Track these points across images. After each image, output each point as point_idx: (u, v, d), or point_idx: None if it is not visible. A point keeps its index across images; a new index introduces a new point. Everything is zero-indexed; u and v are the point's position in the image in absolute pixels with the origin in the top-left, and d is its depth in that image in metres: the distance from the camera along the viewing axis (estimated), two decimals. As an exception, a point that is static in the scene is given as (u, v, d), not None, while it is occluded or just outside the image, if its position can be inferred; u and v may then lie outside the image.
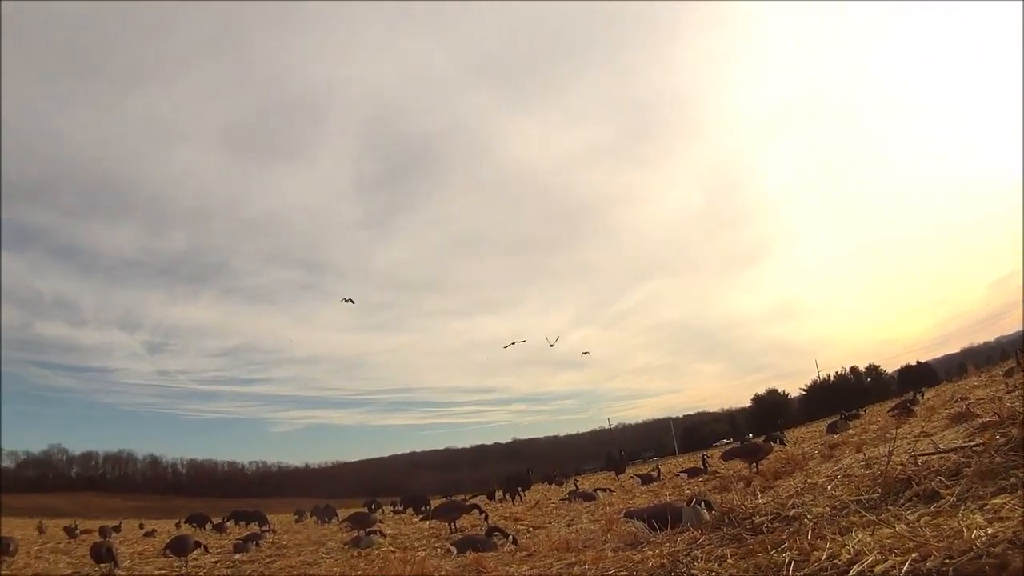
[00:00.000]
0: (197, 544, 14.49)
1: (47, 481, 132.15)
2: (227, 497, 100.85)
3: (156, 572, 11.81)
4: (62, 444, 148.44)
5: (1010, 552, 2.85)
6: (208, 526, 27.79)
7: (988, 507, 4.00)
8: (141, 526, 34.30)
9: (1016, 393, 10.79)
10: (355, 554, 12.25)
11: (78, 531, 27.18)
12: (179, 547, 13.58)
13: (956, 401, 15.26)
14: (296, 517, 33.45)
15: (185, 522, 30.72)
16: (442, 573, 6.62)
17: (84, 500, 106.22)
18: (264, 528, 22.78)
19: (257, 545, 15.98)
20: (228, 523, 27.81)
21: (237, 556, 14.27)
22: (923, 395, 25.11)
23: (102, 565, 11.32)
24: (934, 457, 6.16)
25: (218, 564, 12.85)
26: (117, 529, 30.32)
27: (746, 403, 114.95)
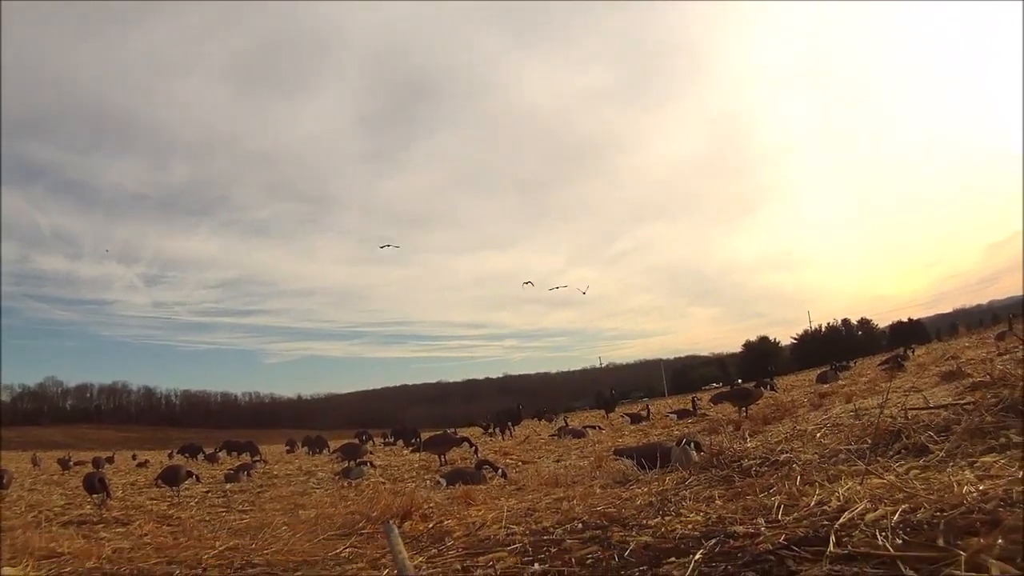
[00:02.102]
0: (189, 474, 14.60)
1: (42, 414, 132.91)
2: (220, 428, 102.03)
3: (148, 502, 11.86)
4: (57, 377, 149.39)
5: (1002, 509, 2.85)
6: (200, 456, 28.42)
7: (978, 464, 4.00)
8: (134, 457, 34.83)
9: (1008, 356, 10.79)
10: (345, 485, 12.44)
11: (72, 463, 27.66)
12: (171, 477, 13.69)
13: (947, 360, 15.30)
14: (287, 448, 33.91)
15: (178, 453, 31.18)
16: (431, 505, 6.62)
17: (78, 432, 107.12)
18: (255, 458, 23.19)
19: (248, 475, 16.20)
20: (220, 453, 28.48)
21: (228, 486, 14.47)
22: (913, 352, 25.21)
23: (95, 496, 11.36)
24: (924, 412, 6.16)
25: (209, 494, 12.95)
26: (110, 460, 30.91)
27: (737, 349, 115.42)
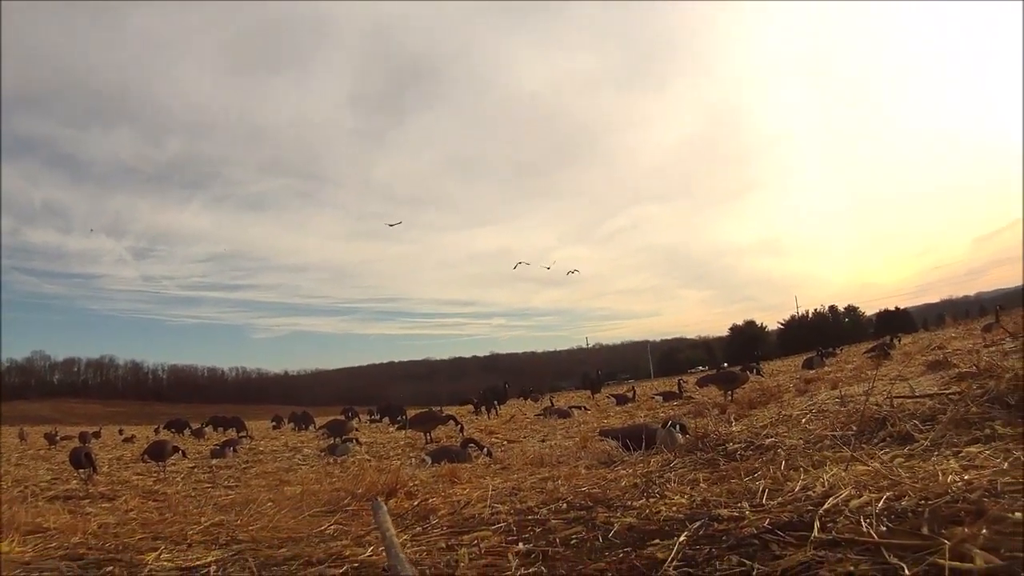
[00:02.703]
0: (175, 449, 14.73)
1: (29, 388, 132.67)
2: (207, 403, 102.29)
3: (134, 477, 11.91)
4: (45, 351, 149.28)
5: (986, 500, 2.87)
6: (187, 432, 28.56)
7: (963, 454, 4.02)
8: (120, 432, 34.96)
9: (994, 348, 10.85)
10: (330, 461, 12.56)
11: (58, 437, 27.75)
12: (157, 452, 13.83)
13: (933, 349, 15.37)
14: (273, 424, 33.96)
15: (164, 428, 31.20)
16: (416, 483, 6.64)
17: (66, 407, 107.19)
18: (242, 434, 23.37)
19: (234, 451, 16.35)
20: (206, 429, 28.68)
21: (214, 461, 14.60)
22: (900, 340, 25.33)
23: (81, 471, 11.40)
24: (910, 401, 6.20)
25: (195, 469, 13.04)
26: (97, 435, 31.06)
27: (724, 332, 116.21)
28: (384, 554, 3.54)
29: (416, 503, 5.48)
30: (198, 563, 3.95)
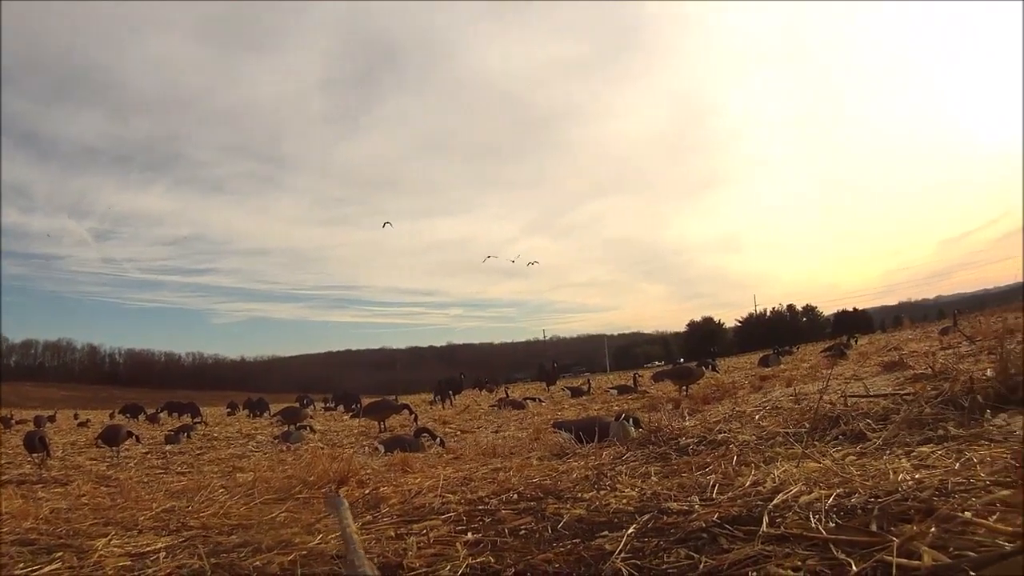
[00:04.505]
0: (129, 434, 14.58)
1: None
2: (163, 388, 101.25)
3: (88, 462, 11.77)
4: (2, 332, 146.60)
5: (936, 499, 2.90)
6: (142, 417, 28.50)
7: (915, 454, 4.07)
8: (76, 416, 34.47)
9: (950, 351, 11.01)
10: (283, 449, 12.50)
11: (13, 421, 27.37)
12: (111, 437, 13.60)
13: (890, 351, 15.57)
14: (229, 410, 33.87)
15: (119, 412, 30.95)
16: (368, 471, 6.64)
17: (22, 390, 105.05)
18: (196, 420, 23.38)
19: (188, 436, 16.32)
20: (161, 414, 28.59)
21: (168, 447, 14.52)
22: (856, 341, 25.69)
23: (35, 455, 11.24)
24: (864, 400, 6.26)
25: (149, 455, 12.91)
26: (52, 419, 30.55)
27: (681, 328, 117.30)
28: (333, 542, 3.60)
29: (367, 492, 5.48)
30: (148, 549, 3.94)
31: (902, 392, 6.40)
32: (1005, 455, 3.56)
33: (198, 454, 12.67)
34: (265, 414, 26.94)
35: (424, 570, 3.08)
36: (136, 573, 3.45)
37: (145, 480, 8.67)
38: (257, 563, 3.43)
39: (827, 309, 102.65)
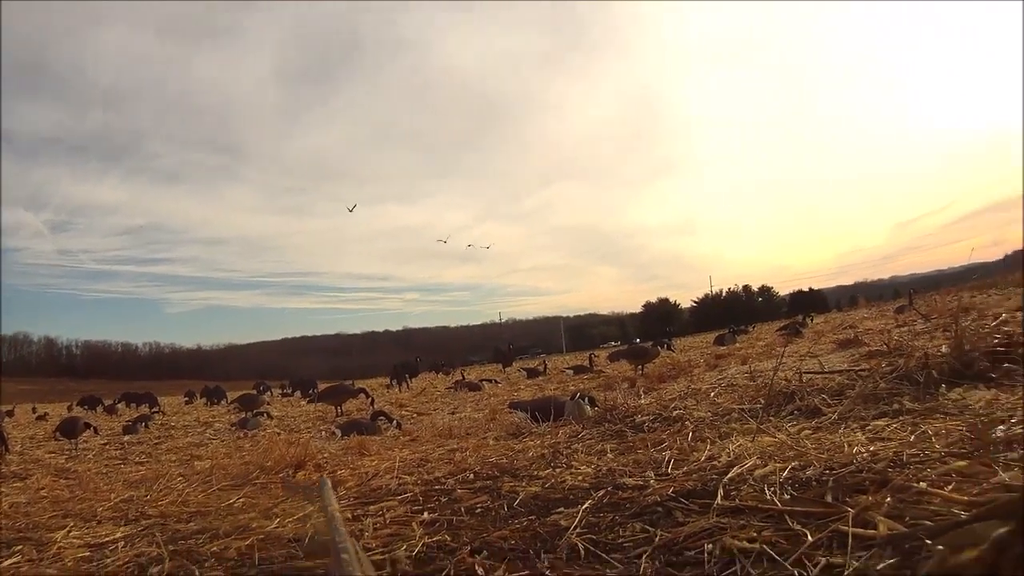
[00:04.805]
0: (87, 426, 14.40)
1: None
2: (120, 379, 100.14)
3: (47, 456, 11.61)
4: None
5: (891, 470, 2.92)
6: (99, 408, 28.14)
7: (870, 428, 4.10)
8: (34, 410, 33.92)
9: (906, 329, 11.14)
10: (241, 435, 12.46)
11: None
12: (69, 430, 13.48)
13: (845, 328, 15.75)
14: (186, 399, 33.47)
15: (77, 405, 30.63)
16: (325, 455, 6.64)
17: None
18: (154, 410, 23.11)
19: (146, 426, 16.08)
20: (119, 405, 28.24)
21: (126, 438, 14.31)
22: (812, 320, 25.96)
23: None
24: (819, 376, 6.32)
25: (107, 446, 12.75)
26: (10, 414, 30.14)
27: (637, 309, 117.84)
28: (290, 526, 3.66)
29: (324, 475, 5.41)
30: (107, 539, 3.90)
31: (857, 368, 6.47)
32: (960, 427, 3.59)
33: (156, 444, 12.53)
34: (222, 402, 26.64)
35: (380, 550, 3.07)
36: (95, 563, 3.41)
37: (104, 471, 8.56)
38: (214, 549, 3.41)
39: (782, 289, 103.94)
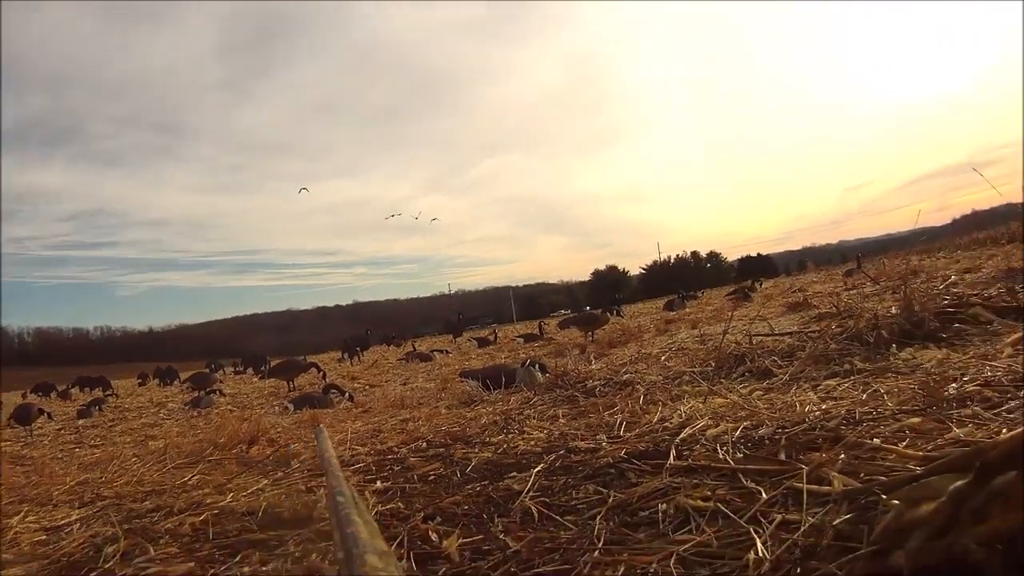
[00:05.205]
0: (41, 412, 14.32)
1: None
2: (73, 364, 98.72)
3: (1, 444, 11.41)
4: None
5: (844, 428, 2.93)
6: (53, 394, 27.96)
7: (821, 387, 4.14)
8: None
9: (855, 291, 11.28)
10: (194, 414, 12.39)
11: None
12: (23, 416, 13.33)
13: (794, 292, 15.95)
14: (139, 381, 33.38)
15: (30, 392, 30.24)
16: (278, 430, 6.67)
17: None
18: (107, 393, 23.00)
19: (100, 410, 15.98)
20: (73, 390, 28.13)
21: (80, 422, 14.18)
22: (761, 284, 26.25)
23: None
24: (769, 339, 6.37)
25: (62, 431, 12.63)
26: None
27: (586, 277, 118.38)
28: (243, 500, 3.71)
29: (277, 449, 5.52)
30: (63, 522, 3.88)
31: (807, 330, 6.54)
32: (912, 386, 3.63)
33: (110, 426, 12.43)
34: (175, 382, 26.75)
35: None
36: (51, 546, 3.38)
37: (59, 456, 8.48)
38: (169, 525, 3.42)
39: (731, 255, 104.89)
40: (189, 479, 4.77)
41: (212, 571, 2.72)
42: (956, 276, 8.35)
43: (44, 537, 3.59)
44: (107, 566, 2.92)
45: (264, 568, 2.70)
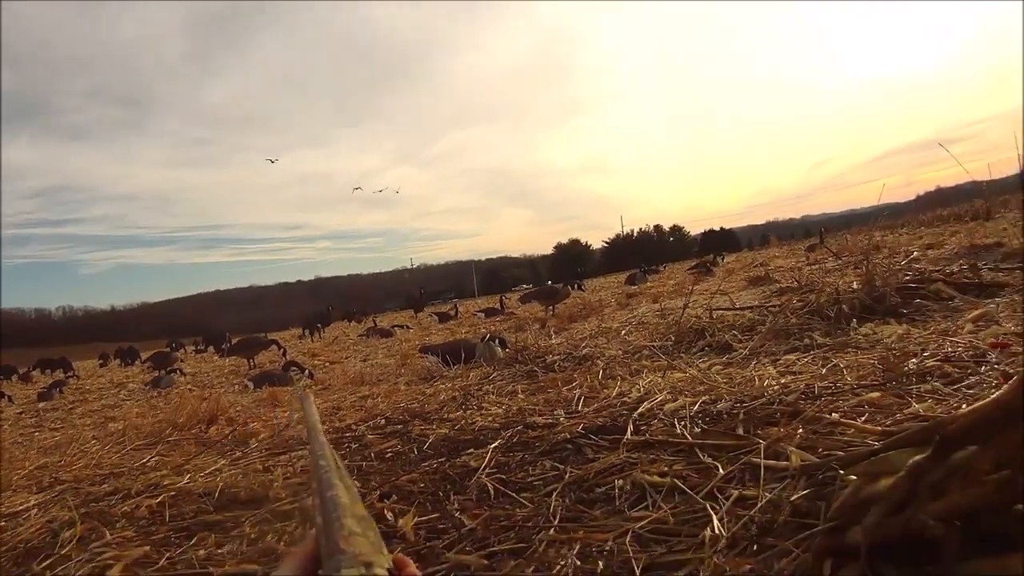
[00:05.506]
0: (1, 395, 14.42)
1: None
2: (34, 346, 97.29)
3: None
4: None
5: (803, 402, 2.93)
6: (14, 377, 27.46)
7: (781, 362, 4.16)
8: None
9: (817, 266, 11.34)
10: (155, 394, 12.23)
11: None
12: None
13: (756, 266, 16.01)
14: (101, 361, 32.98)
15: None
16: (237, 409, 6.67)
17: None
18: (68, 375, 22.61)
19: (60, 392, 15.79)
20: (34, 372, 27.79)
21: (41, 405, 13.94)
22: (723, 258, 26.34)
23: None
24: (729, 313, 6.41)
25: (22, 415, 12.42)
26: None
27: (549, 251, 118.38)
28: (201, 481, 3.78)
29: (236, 429, 5.50)
30: (20, 508, 3.84)
31: (768, 304, 6.57)
32: (872, 361, 3.65)
33: (71, 409, 12.27)
34: (136, 362, 26.44)
35: (289, 499, 3.11)
36: (8, 533, 3.34)
37: (19, 440, 8.39)
38: (126, 508, 3.42)
39: (694, 229, 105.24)
40: (148, 461, 4.76)
41: (168, 554, 2.71)
42: (919, 252, 8.43)
43: (3, 524, 3.55)
44: (63, 551, 2.89)
45: (220, 550, 2.69)
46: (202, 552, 2.68)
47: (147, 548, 2.79)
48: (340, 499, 0.93)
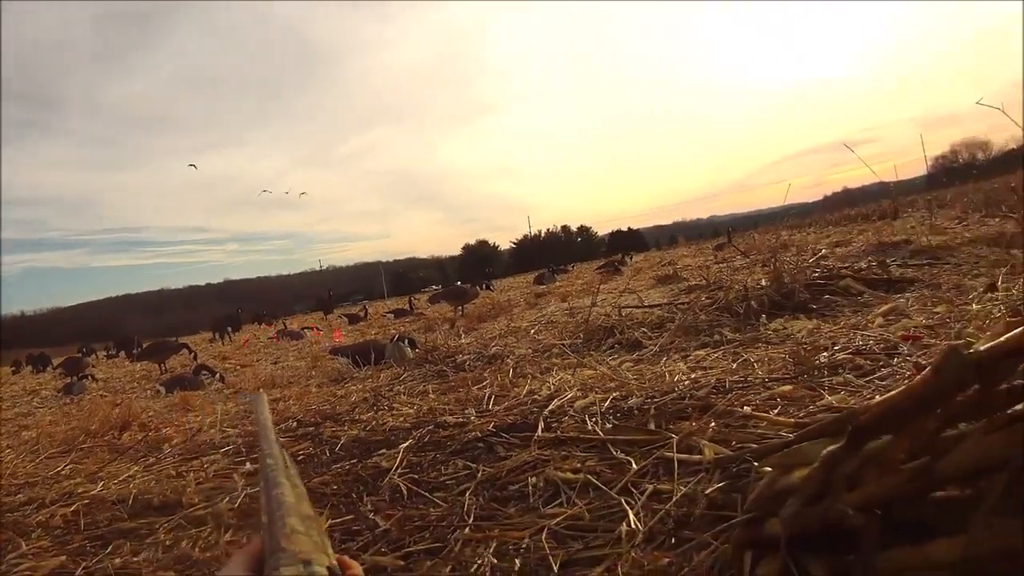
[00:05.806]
0: None
1: None
2: None
3: None
4: None
5: (714, 396, 2.95)
6: None
7: (691, 358, 4.21)
8: None
9: (724, 265, 11.52)
10: (67, 401, 11.92)
11: None
12: None
13: (664, 265, 16.21)
14: (12, 369, 31.90)
15: None
16: (150, 414, 6.58)
17: None
18: None
19: None
20: None
21: None
22: (632, 258, 26.63)
23: None
24: (639, 311, 6.46)
25: None
26: None
27: (457, 252, 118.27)
28: (114, 488, 3.72)
29: (148, 434, 5.44)
30: None
31: (677, 302, 6.65)
32: (783, 355, 3.70)
33: None
34: (48, 368, 25.67)
35: (203, 504, 3.10)
36: None
37: None
38: (40, 518, 3.38)
39: (602, 230, 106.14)
40: (62, 469, 4.69)
41: (84, 564, 2.67)
42: (827, 250, 8.63)
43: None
44: (-21, 565, 2.79)
45: (135, 558, 2.66)
46: (118, 560, 2.65)
47: (63, 558, 2.76)
48: (285, 498, 0.93)
